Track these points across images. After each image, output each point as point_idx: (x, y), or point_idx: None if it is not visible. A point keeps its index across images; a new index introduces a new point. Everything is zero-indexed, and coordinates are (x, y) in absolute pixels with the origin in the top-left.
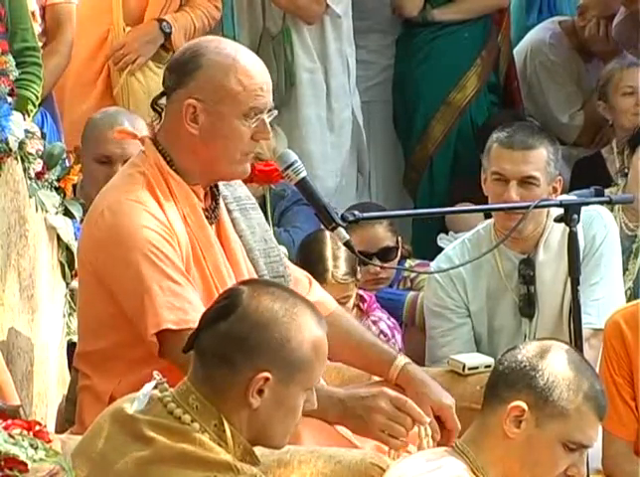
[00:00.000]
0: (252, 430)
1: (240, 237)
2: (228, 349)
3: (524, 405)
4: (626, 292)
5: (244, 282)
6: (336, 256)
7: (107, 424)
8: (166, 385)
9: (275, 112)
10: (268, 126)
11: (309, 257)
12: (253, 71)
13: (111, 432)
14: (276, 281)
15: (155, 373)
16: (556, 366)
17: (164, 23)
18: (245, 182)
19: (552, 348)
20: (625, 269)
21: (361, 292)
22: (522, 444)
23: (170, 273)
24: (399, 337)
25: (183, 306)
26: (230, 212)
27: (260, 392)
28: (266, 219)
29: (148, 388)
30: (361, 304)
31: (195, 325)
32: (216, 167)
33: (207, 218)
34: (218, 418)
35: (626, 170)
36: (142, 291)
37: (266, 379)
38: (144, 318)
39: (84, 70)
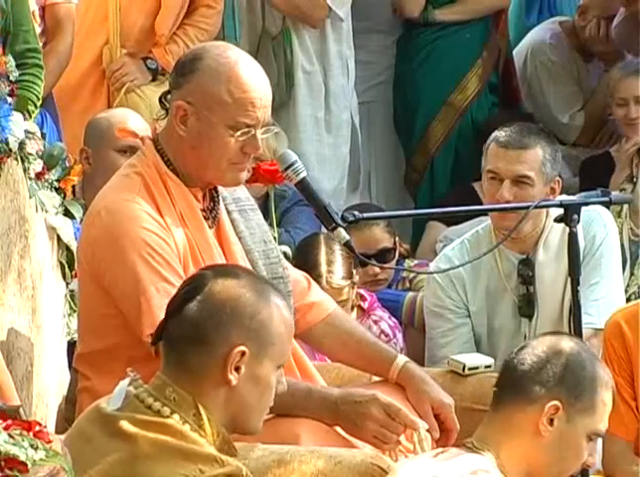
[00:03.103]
0: (230, 412)
1: (240, 238)
2: (200, 329)
3: (559, 404)
4: (631, 297)
5: (208, 267)
6: (330, 262)
7: (87, 427)
8: (140, 381)
9: (274, 129)
10: (259, 142)
11: (303, 263)
12: (248, 84)
13: (92, 434)
14: (275, 281)
15: (129, 370)
16: (578, 361)
17: (148, 60)
18: (250, 182)
19: (567, 342)
20: (631, 274)
21: (362, 291)
22: (552, 441)
23: (166, 275)
24: (400, 336)
25: None
26: (229, 213)
27: (237, 369)
28: (270, 218)
29: (122, 385)
30: (362, 303)
31: None
32: (204, 172)
33: (205, 219)
34: (196, 408)
35: (635, 179)
36: (138, 292)
37: (242, 353)
38: (140, 319)
39: (84, 82)
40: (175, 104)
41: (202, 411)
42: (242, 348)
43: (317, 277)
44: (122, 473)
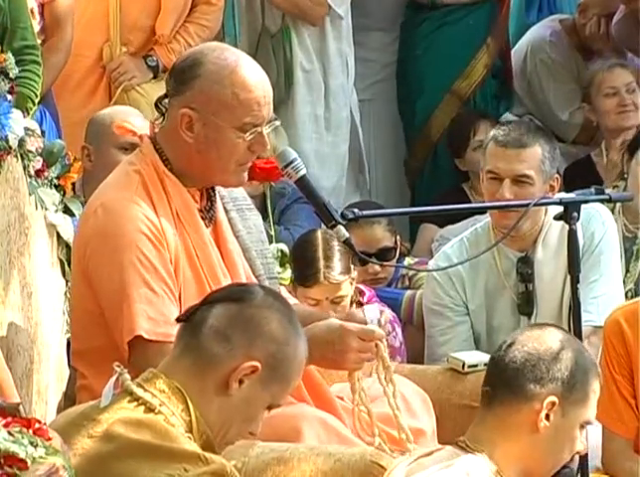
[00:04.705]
0: (207, 421)
1: (237, 237)
2: (232, 328)
3: (556, 399)
4: (627, 294)
5: (261, 286)
6: (328, 257)
7: (69, 429)
8: (128, 375)
9: (277, 123)
10: (266, 138)
11: (301, 259)
12: (251, 84)
13: (73, 435)
14: (271, 283)
15: (115, 364)
16: (569, 354)
17: (149, 58)
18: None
19: (555, 335)
20: (626, 271)
21: (361, 286)
22: (548, 436)
23: (150, 281)
24: (399, 330)
25: (156, 317)
26: (227, 212)
27: (240, 382)
28: (267, 216)
29: (110, 384)
30: (361, 298)
31: (164, 339)
32: (209, 175)
33: (202, 218)
34: (185, 403)
35: (625, 175)
36: (122, 297)
37: (254, 369)
38: (119, 323)
39: (85, 79)
40: (180, 113)
41: (191, 408)
42: (257, 364)
43: (315, 273)
44: (106, 473)
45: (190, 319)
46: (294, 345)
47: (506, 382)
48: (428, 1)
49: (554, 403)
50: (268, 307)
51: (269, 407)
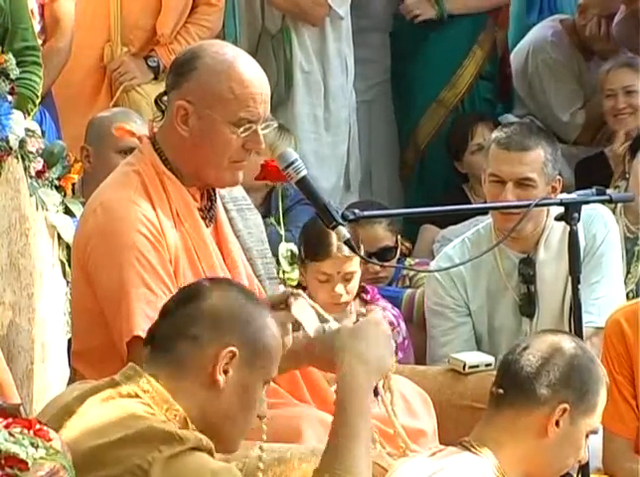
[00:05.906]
0: (209, 420)
1: (237, 236)
2: (196, 327)
3: (567, 406)
4: (628, 294)
5: (204, 278)
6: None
7: (52, 424)
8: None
9: (274, 124)
10: (261, 137)
11: (313, 235)
12: (248, 80)
13: (58, 429)
14: (271, 283)
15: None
16: (583, 362)
17: (150, 59)
18: (258, 179)
19: (569, 343)
20: (627, 272)
21: (363, 284)
22: (555, 442)
23: (149, 281)
24: (403, 325)
25: (154, 317)
26: (227, 211)
27: (226, 373)
28: (277, 215)
29: None
30: (364, 295)
31: None
32: (204, 171)
33: (202, 218)
34: (168, 402)
35: (627, 175)
36: (120, 296)
37: (233, 354)
38: (118, 323)
39: (86, 80)
40: (175, 104)
41: (176, 405)
42: (233, 349)
43: (328, 245)
44: (91, 463)
45: (154, 339)
46: (259, 316)
47: (519, 385)
48: (436, 16)
49: (564, 410)
50: (221, 293)
51: (266, 382)
